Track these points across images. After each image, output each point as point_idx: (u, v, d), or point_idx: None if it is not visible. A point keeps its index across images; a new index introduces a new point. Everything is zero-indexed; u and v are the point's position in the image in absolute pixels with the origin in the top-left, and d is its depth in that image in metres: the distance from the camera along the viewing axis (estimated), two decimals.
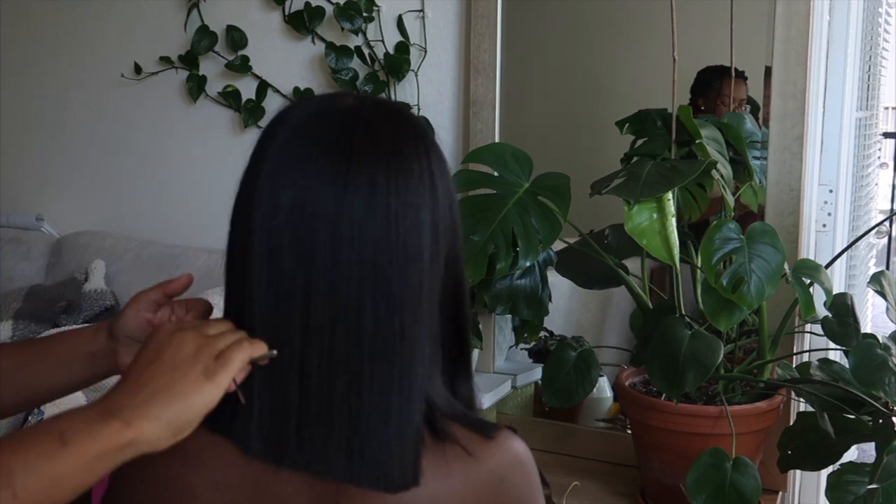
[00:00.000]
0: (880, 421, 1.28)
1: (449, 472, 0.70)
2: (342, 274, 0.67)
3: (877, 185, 2.48)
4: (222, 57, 2.24)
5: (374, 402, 0.68)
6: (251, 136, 1.95)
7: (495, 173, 1.56)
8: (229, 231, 0.73)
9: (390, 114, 0.74)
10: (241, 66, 2.20)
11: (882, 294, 1.47)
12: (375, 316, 0.67)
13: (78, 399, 1.47)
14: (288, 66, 2.17)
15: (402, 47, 2.01)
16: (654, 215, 1.42)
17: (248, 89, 2.22)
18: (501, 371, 1.96)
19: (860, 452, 2.01)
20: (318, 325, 0.67)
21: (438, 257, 0.71)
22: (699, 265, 1.42)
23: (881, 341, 1.39)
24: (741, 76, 1.81)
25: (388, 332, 0.68)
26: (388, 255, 0.68)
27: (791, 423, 1.46)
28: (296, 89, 2.15)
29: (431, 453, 0.70)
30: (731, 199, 1.57)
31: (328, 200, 0.67)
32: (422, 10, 2.00)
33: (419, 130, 0.74)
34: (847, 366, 1.38)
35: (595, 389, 1.60)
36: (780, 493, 1.62)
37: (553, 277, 1.72)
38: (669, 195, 1.43)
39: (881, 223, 1.77)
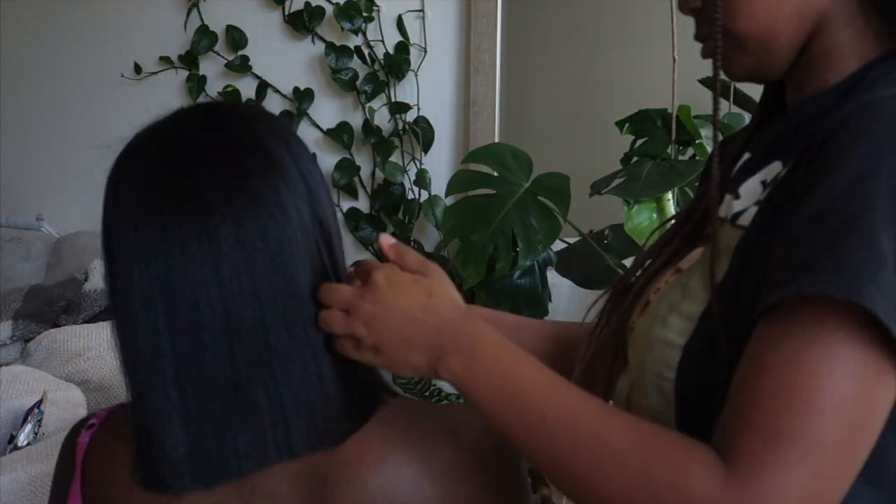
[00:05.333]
0: None
1: (429, 451, 0.69)
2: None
3: None
4: (222, 57, 2.24)
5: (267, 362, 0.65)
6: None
7: (495, 173, 1.56)
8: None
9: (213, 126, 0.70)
10: (241, 66, 2.20)
11: None
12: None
13: (77, 397, 1.47)
14: (288, 66, 2.17)
15: (402, 47, 2.01)
16: (654, 215, 1.42)
17: (247, 89, 2.22)
18: None
19: None
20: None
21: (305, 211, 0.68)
22: None
23: None
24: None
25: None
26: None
27: None
28: (295, 89, 2.16)
29: (405, 434, 0.69)
30: None
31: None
32: (422, 10, 2.00)
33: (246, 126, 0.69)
34: None
35: None
36: None
37: (553, 277, 1.72)
38: (669, 195, 1.43)
39: None
